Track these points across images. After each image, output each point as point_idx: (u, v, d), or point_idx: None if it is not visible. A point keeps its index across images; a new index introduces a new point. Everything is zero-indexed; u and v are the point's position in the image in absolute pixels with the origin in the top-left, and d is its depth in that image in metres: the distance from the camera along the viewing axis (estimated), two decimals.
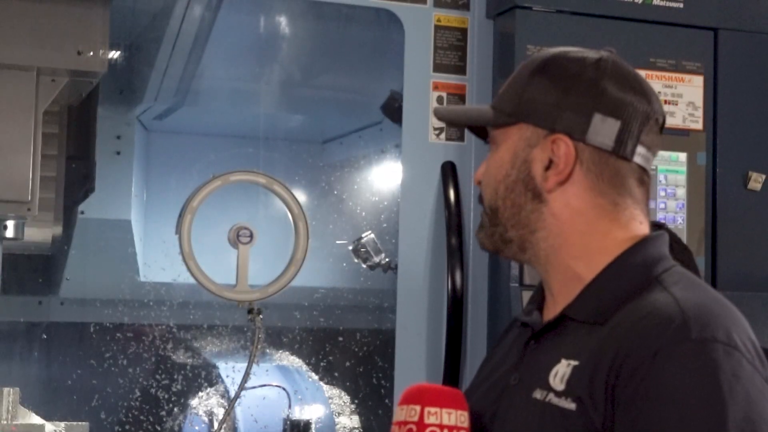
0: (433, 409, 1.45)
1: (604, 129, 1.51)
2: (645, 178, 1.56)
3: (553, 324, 1.53)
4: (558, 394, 1.43)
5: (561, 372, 1.45)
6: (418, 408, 1.45)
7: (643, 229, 1.55)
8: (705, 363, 1.35)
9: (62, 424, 2.53)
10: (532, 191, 1.54)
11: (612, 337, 1.42)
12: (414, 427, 1.44)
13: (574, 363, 1.44)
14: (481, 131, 1.67)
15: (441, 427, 1.44)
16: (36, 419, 2.47)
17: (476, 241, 2.65)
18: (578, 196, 1.53)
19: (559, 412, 1.42)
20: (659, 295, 1.44)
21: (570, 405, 1.41)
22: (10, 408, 2.38)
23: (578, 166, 1.52)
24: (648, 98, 1.54)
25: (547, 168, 1.52)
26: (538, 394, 1.46)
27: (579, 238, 1.53)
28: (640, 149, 1.53)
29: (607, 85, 1.52)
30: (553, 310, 1.57)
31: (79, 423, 2.57)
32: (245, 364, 2.47)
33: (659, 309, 1.41)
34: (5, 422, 2.36)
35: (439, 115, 1.74)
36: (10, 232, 2.58)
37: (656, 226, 1.62)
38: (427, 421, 1.44)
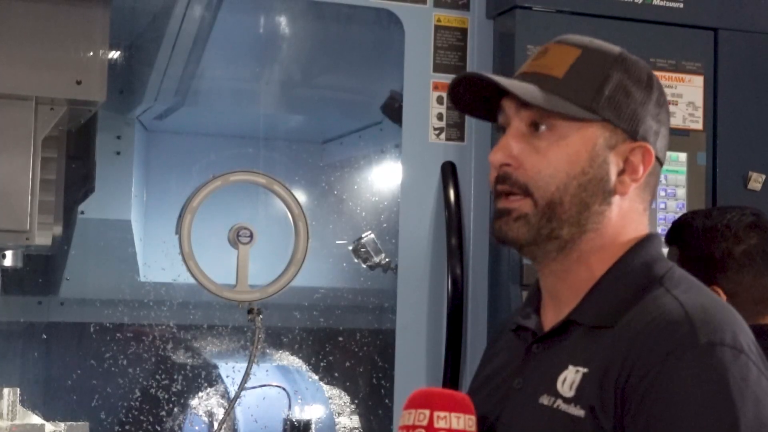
0: (442, 414, 1.44)
1: (661, 140, 1.54)
2: None
3: (559, 329, 1.52)
4: (567, 400, 1.43)
5: (570, 378, 1.44)
6: (427, 412, 1.45)
7: (641, 228, 1.55)
8: (714, 367, 1.35)
9: (62, 424, 2.53)
10: (603, 193, 1.50)
11: (620, 342, 1.41)
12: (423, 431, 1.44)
13: (583, 370, 1.43)
14: (482, 112, 1.58)
15: (450, 431, 1.44)
16: (36, 419, 2.47)
17: (475, 241, 2.67)
18: (630, 200, 1.53)
19: (568, 419, 1.41)
20: (664, 298, 1.44)
21: (579, 412, 1.40)
22: (10, 408, 2.39)
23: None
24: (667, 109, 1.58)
25: (621, 172, 1.50)
26: (545, 400, 1.45)
27: (614, 238, 1.52)
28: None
29: (665, 96, 1.55)
30: (554, 312, 1.55)
31: (79, 423, 2.57)
32: (245, 364, 2.47)
33: (665, 313, 1.41)
34: (5, 422, 2.36)
35: (510, 87, 1.51)
36: (8, 261, 2.58)
37: None
38: (436, 425, 1.43)
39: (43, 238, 2.53)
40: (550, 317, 1.56)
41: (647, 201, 1.55)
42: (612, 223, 1.51)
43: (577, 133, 1.49)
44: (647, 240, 1.54)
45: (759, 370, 1.38)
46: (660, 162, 1.55)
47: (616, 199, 1.51)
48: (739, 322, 1.42)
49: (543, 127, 1.50)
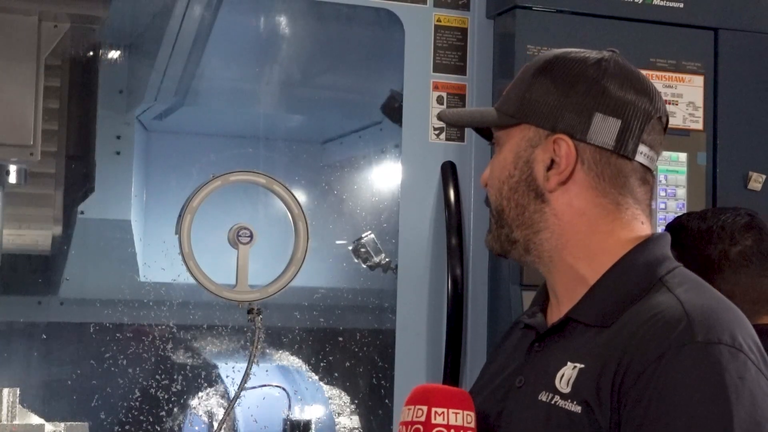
0: (440, 410, 1.46)
1: (604, 128, 1.52)
2: (648, 177, 1.56)
3: (558, 327, 1.53)
4: (564, 396, 1.44)
5: (567, 375, 1.45)
6: (425, 408, 1.46)
7: (645, 229, 1.56)
8: (710, 365, 1.35)
9: (62, 424, 2.53)
10: (534, 191, 1.55)
11: (617, 339, 1.43)
12: (421, 427, 1.45)
13: (579, 366, 1.44)
14: (487, 132, 1.68)
15: (448, 427, 1.45)
16: (35, 419, 2.47)
17: (475, 241, 2.67)
18: (580, 195, 1.53)
19: (564, 415, 1.43)
20: (664, 297, 1.45)
21: (575, 408, 1.42)
22: (10, 408, 2.38)
23: (579, 165, 1.52)
24: (650, 97, 1.55)
25: (549, 168, 1.53)
26: (543, 397, 1.47)
27: (582, 238, 1.53)
28: (642, 148, 1.53)
29: (608, 85, 1.53)
30: (557, 311, 1.57)
31: (79, 423, 2.57)
32: (245, 365, 2.47)
33: (664, 311, 1.41)
34: (5, 422, 2.36)
35: (444, 118, 1.74)
36: (12, 178, 2.56)
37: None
38: (434, 421, 1.45)
39: (42, 234, 2.52)
40: (554, 316, 1.57)
41: (615, 195, 1.54)
42: (563, 220, 1.54)
43: (507, 140, 1.58)
44: (652, 240, 1.54)
45: (758, 369, 1.38)
46: (611, 150, 1.52)
47: (555, 196, 1.54)
48: (741, 322, 1.43)
49: (496, 145, 1.62)
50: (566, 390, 1.44)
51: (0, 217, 2.55)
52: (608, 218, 1.54)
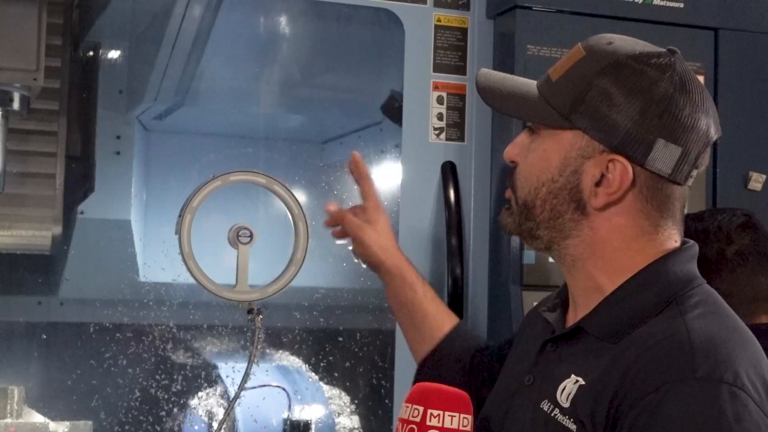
0: (435, 412, 1.46)
1: (664, 155, 1.44)
2: (687, 194, 1.51)
3: (570, 334, 1.51)
4: (563, 411, 1.43)
5: (568, 389, 1.44)
6: (421, 409, 1.46)
7: (672, 244, 1.51)
8: (707, 404, 1.30)
9: (66, 423, 2.53)
10: (576, 202, 1.48)
11: (620, 361, 1.39)
12: (415, 428, 1.45)
13: (581, 382, 1.42)
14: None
15: (442, 430, 1.45)
16: (39, 418, 2.47)
17: (475, 242, 2.66)
18: (623, 215, 1.47)
19: (561, 430, 1.42)
20: (672, 322, 1.40)
21: (572, 425, 1.40)
22: (15, 407, 2.39)
23: (631, 189, 1.45)
24: (714, 118, 1.48)
25: (597, 183, 1.46)
26: (545, 406, 1.46)
27: (611, 253, 1.48)
28: (694, 173, 1.47)
29: (677, 106, 1.43)
30: (573, 314, 1.55)
31: (83, 422, 2.57)
32: (245, 365, 2.47)
33: (668, 339, 1.37)
34: (9, 421, 2.37)
35: (481, 92, 1.56)
36: (16, 104, 2.55)
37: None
38: (428, 423, 1.45)
39: (42, 234, 2.51)
40: (571, 316, 1.56)
41: (657, 218, 1.47)
42: (598, 234, 1.47)
43: (552, 139, 1.48)
44: (674, 253, 1.48)
45: (760, 409, 1.32)
46: (666, 177, 1.45)
47: (596, 212, 1.47)
48: (751, 356, 1.37)
49: (533, 128, 1.53)
50: (566, 405, 1.43)
51: (2, 145, 2.54)
52: (644, 238, 1.48)
